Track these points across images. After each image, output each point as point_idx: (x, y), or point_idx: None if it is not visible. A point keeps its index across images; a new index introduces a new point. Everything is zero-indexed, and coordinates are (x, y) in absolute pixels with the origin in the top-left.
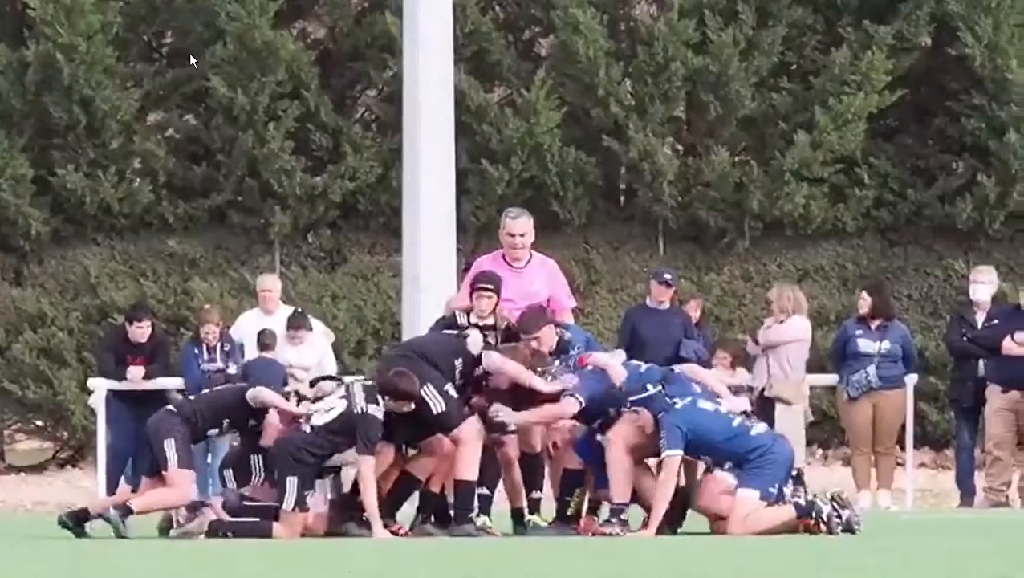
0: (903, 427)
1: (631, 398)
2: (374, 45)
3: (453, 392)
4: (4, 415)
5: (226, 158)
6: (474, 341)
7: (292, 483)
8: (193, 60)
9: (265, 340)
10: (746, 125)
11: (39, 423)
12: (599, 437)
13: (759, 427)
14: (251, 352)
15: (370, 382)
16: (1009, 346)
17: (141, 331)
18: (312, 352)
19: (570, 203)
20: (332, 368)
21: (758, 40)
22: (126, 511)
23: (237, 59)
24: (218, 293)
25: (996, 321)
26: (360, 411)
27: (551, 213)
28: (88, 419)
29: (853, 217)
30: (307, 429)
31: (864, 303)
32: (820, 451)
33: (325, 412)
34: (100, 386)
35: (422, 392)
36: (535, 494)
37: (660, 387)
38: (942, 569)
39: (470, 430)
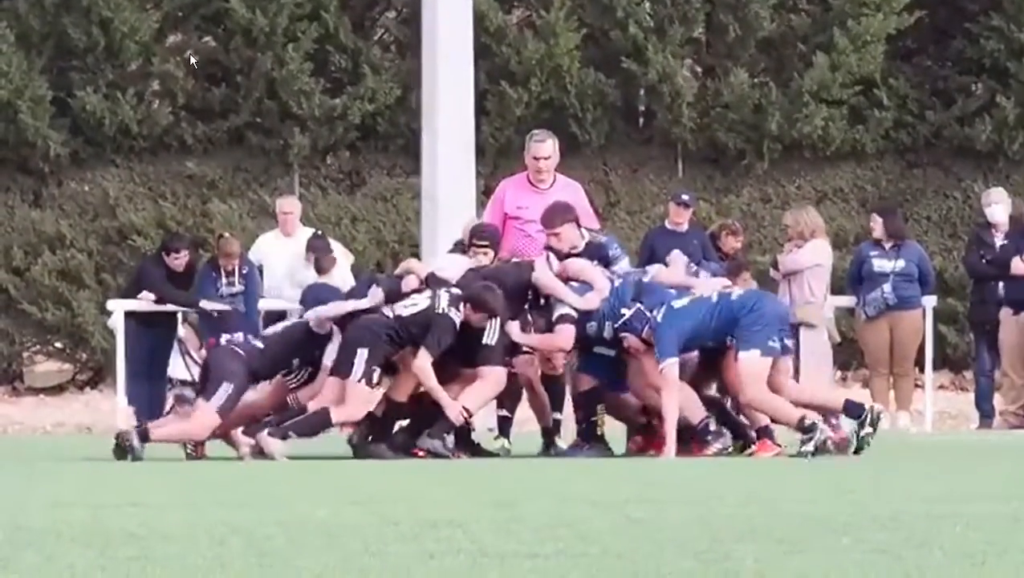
0: (921, 349)
1: (614, 325)
2: None
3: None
4: (23, 337)
5: (245, 80)
6: (540, 268)
7: (362, 355)
8: None
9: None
10: (765, 46)
11: (58, 345)
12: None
13: (738, 290)
14: (269, 274)
15: (456, 291)
16: (1018, 266)
17: (179, 261)
18: (335, 274)
19: (589, 125)
20: None
21: None
22: (144, 434)
23: None
24: (237, 215)
25: (1007, 242)
26: (441, 311)
27: (570, 135)
28: (107, 341)
29: (872, 139)
30: (389, 314)
31: (876, 225)
32: (839, 373)
33: (409, 305)
34: (120, 308)
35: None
36: (556, 416)
37: (637, 305)
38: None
39: (498, 375)
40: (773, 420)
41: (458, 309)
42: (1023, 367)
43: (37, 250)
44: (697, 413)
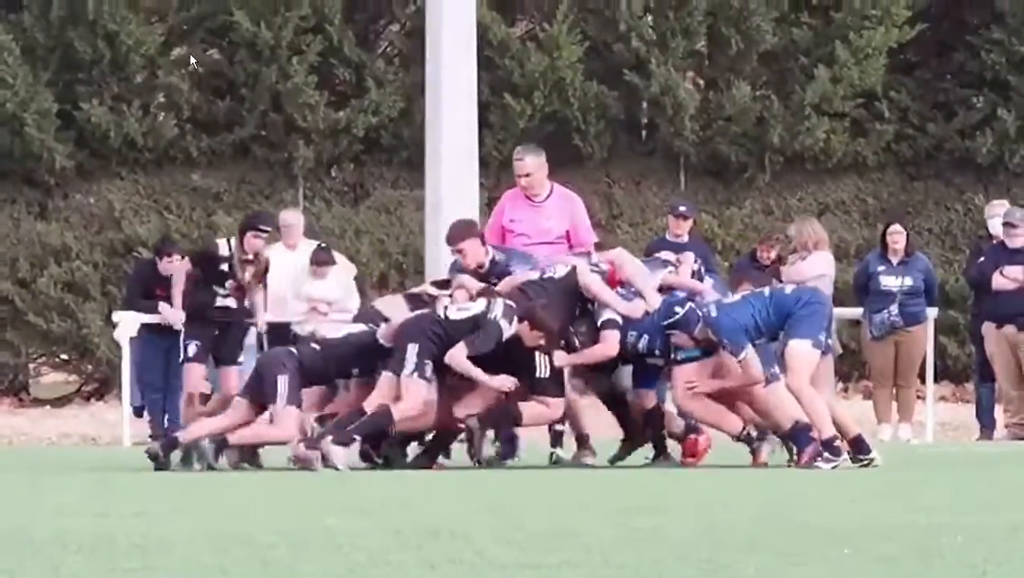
0: (924, 361)
1: (664, 323)
2: None
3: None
4: (29, 348)
5: (250, 92)
6: (586, 276)
7: (412, 350)
8: None
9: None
10: (767, 59)
11: (64, 356)
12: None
13: (786, 287)
14: (273, 285)
15: (511, 304)
16: (999, 281)
17: (171, 265)
18: (336, 286)
19: (592, 137)
20: (355, 302)
21: None
22: (221, 444)
23: None
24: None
25: (983, 258)
26: (492, 318)
27: (573, 147)
28: (113, 352)
29: (873, 151)
30: (441, 315)
31: (900, 238)
32: (841, 384)
33: (462, 309)
34: (127, 319)
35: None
36: (558, 427)
37: (690, 302)
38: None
39: (560, 405)
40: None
41: (510, 322)
42: (1015, 379)
43: (43, 262)
44: (735, 424)
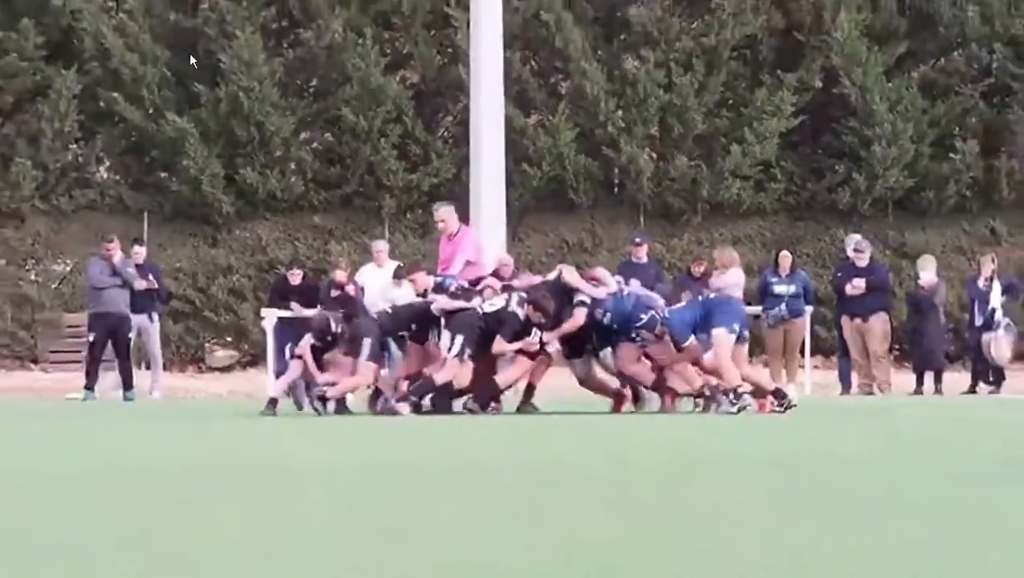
0: (804, 341)
1: (636, 325)
2: (450, 86)
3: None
4: (205, 333)
5: (352, 162)
6: (569, 275)
7: (459, 339)
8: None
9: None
10: (699, 140)
11: (228, 339)
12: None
13: (711, 295)
14: (368, 292)
15: (523, 295)
16: (851, 289)
17: (295, 276)
18: (409, 293)
19: (581, 192)
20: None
21: (707, 83)
22: (322, 399)
23: (359, 96)
24: (347, 252)
25: (841, 273)
26: (511, 310)
27: (568, 199)
28: (261, 336)
29: (770, 202)
30: (480, 311)
31: (785, 261)
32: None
33: (492, 305)
34: (270, 314)
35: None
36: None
37: (652, 312)
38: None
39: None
40: (721, 380)
41: (522, 307)
42: (862, 354)
43: (214, 276)
44: (649, 379)
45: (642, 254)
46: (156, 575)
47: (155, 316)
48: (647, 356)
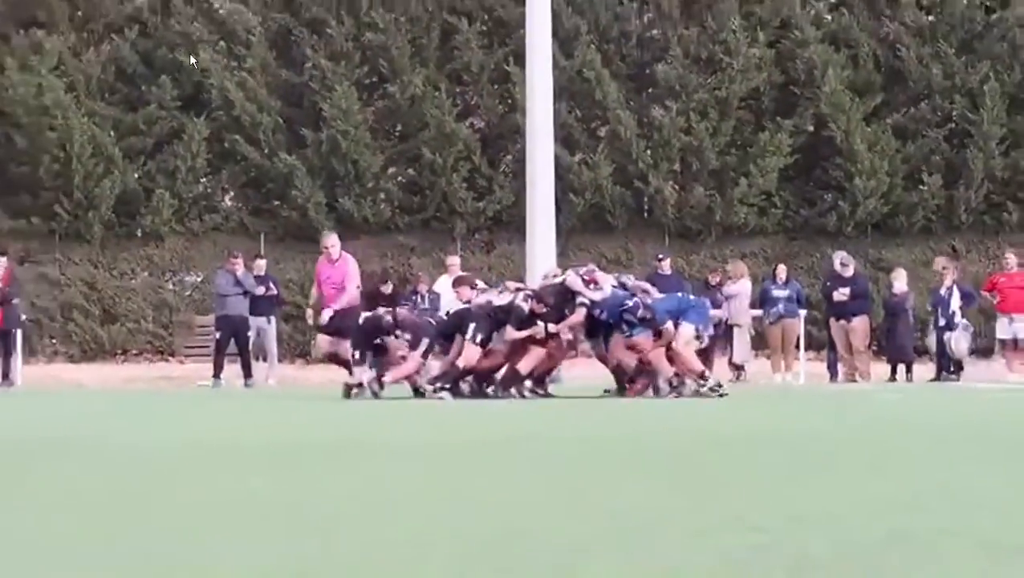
0: (799, 338)
1: (623, 309)
2: (509, 131)
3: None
4: (308, 333)
5: (430, 192)
6: (572, 281)
7: (474, 327)
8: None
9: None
10: (713, 174)
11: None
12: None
13: (689, 296)
14: (444, 299)
15: (529, 292)
16: (836, 296)
17: (384, 287)
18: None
19: (617, 216)
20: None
21: (719, 127)
22: (381, 385)
23: (436, 138)
24: (427, 266)
25: (829, 282)
26: (517, 304)
27: (607, 222)
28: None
29: (771, 225)
30: (493, 305)
31: (783, 271)
32: (754, 352)
33: (503, 300)
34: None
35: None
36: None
37: (635, 298)
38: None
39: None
40: (683, 368)
41: (526, 303)
42: (846, 349)
43: None
44: (669, 370)
45: (666, 267)
46: (284, 534)
47: (272, 319)
48: (632, 347)
